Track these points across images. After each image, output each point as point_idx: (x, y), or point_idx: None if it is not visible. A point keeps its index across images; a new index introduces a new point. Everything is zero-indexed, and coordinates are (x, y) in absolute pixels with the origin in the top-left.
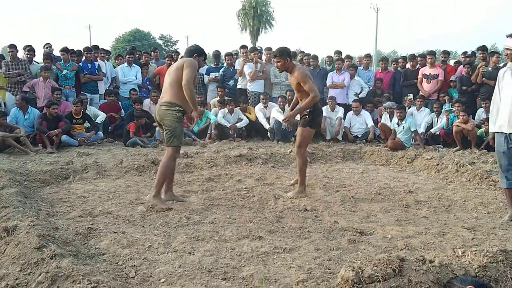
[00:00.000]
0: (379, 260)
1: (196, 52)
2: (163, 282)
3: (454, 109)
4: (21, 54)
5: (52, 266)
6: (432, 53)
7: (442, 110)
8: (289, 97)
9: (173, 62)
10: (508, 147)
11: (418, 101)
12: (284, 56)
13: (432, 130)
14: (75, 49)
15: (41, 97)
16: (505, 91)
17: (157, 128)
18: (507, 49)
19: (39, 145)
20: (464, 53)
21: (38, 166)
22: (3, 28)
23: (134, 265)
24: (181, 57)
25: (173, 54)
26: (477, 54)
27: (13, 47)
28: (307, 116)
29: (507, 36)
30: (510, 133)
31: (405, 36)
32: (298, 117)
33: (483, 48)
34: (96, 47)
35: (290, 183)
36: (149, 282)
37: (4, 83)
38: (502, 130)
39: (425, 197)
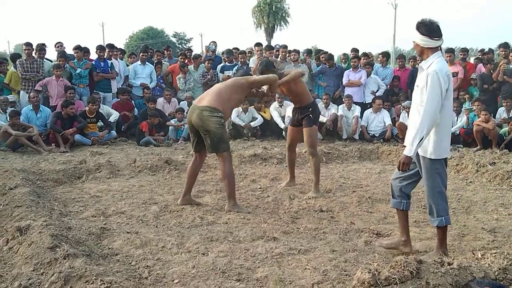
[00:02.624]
0: (396, 262)
1: None
2: (176, 283)
3: (474, 108)
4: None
5: (65, 266)
6: (451, 51)
7: (462, 109)
8: None
9: (186, 60)
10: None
11: None
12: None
13: (451, 129)
14: (88, 48)
15: (53, 96)
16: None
17: (170, 127)
18: (414, 42)
19: (52, 144)
20: (481, 50)
21: (51, 166)
22: (15, 26)
23: (148, 266)
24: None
25: (186, 52)
26: (498, 51)
27: (29, 45)
28: (310, 116)
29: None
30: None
31: None
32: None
33: (505, 45)
34: (112, 46)
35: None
36: (162, 282)
37: (18, 86)
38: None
39: None
